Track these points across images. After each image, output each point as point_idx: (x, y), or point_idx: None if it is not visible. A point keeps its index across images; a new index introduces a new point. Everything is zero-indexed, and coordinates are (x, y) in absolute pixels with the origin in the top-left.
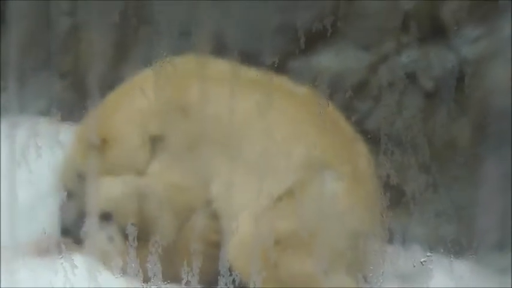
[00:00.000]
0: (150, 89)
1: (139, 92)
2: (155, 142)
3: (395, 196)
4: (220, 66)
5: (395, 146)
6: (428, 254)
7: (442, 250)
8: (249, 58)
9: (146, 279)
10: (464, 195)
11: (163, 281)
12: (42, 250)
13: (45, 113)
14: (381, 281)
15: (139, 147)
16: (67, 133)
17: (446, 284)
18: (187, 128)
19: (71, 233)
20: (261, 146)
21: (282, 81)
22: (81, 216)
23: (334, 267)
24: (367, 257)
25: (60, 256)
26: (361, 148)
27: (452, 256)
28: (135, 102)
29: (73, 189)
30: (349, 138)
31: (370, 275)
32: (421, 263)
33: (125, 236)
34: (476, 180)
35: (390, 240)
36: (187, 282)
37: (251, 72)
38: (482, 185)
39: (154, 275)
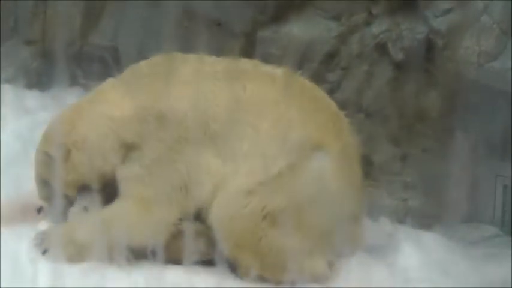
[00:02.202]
0: (121, 97)
1: (107, 99)
2: (129, 150)
3: (364, 167)
4: (191, 64)
5: (364, 117)
6: (398, 225)
7: (410, 222)
8: (219, 28)
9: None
10: (433, 167)
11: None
12: (6, 217)
13: (12, 80)
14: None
15: (110, 153)
16: (33, 100)
17: (415, 256)
18: (165, 135)
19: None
20: (249, 134)
21: (257, 66)
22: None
23: (312, 247)
24: (346, 236)
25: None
26: (346, 125)
27: (420, 228)
28: (104, 109)
29: (48, 198)
30: (335, 116)
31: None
32: (389, 235)
33: None
34: (445, 152)
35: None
36: None
37: (223, 63)
38: (451, 157)
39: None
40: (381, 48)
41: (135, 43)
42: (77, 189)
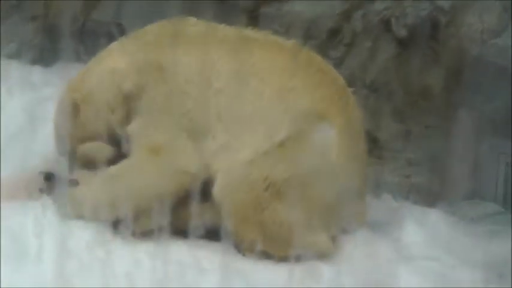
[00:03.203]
0: (124, 52)
1: (112, 55)
2: (130, 101)
3: (367, 144)
4: (200, 27)
5: (368, 94)
6: (401, 202)
7: (413, 199)
8: (223, 4)
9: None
10: (436, 144)
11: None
12: (11, 192)
13: (16, 55)
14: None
15: (114, 106)
16: (37, 76)
17: (418, 233)
18: (167, 87)
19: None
20: (252, 100)
21: (266, 36)
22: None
23: (316, 221)
24: (349, 211)
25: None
26: (352, 100)
27: (423, 205)
28: (108, 63)
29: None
30: (341, 90)
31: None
32: (393, 212)
33: None
34: (448, 129)
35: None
36: None
37: (233, 29)
38: (454, 134)
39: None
40: (384, 25)
41: (138, 19)
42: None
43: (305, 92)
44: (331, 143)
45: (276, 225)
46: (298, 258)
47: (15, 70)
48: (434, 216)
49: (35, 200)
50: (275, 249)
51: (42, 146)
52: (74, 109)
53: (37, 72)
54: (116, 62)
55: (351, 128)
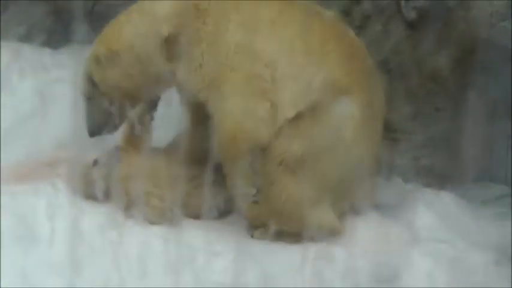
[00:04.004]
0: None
1: (151, 2)
2: (170, 43)
3: None
4: None
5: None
6: (411, 184)
7: (423, 181)
8: None
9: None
10: (445, 126)
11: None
12: (23, 174)
13: (27, 38)
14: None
15: (154, 50)
16: (48, 58)
17: (427, 215)
18: (202, 26)
19: (96, 133)
20: (285, 57)
21: (310, 4)
22: (103, 114)
23: (325, 197)
24: (361, 190)
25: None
26: (378, 81)
27: (433, 187)
28: (146, 9)
29: (89, 95)
30: (369, 69)
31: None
32: (402, 194)
33: None
34: (457, 112)
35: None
36: None
37: None
38: (463, 117)
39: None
40: (394, 8)
41: None
42: (128, 96)
43: (333, 63)
44: (350, 118)
45: (284, 201)
46: (309, 239)
47: (25, 53)
48: (445, 199)
49: (47, 181)
50: (284, 225)
51: (54, 127)
52: (114, 57)
53: (47, 55)
54: (154, 7)
55: (371, 108)
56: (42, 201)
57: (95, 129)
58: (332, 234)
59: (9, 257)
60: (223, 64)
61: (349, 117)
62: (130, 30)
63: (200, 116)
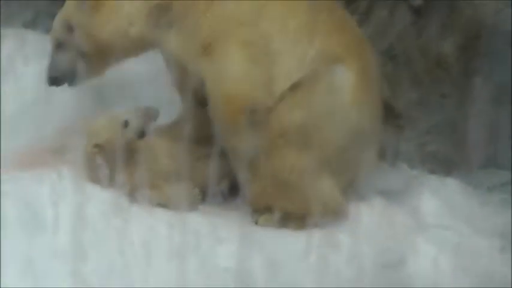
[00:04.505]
0: None
1: None
2: (162, 10)
3: (383, 112)
4: None
5: (384, 62)
6: (417, 171)
7: (428, 167)
8: None
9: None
10: (451, 113)
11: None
12: (27, 160)
13: (32, 24)
14: (369, 194)
15: (140, 13)
16: None
17: (433, 202)
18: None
19: (56, 83)
20: (278, 32)
21: None
22: (70, 65)
23: (327, 168)
24: (360, 161)
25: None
26: (369, 48)
27: (438, 174)
28: None
29: (62, 40)
30: (359, 38)
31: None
32: (408, 180)
33: None
34: (463, 98)
35: (380, 157)
36: None
37: None
38: (469, 103)
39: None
40: None
41: None
42: (100, 51)
43: (325, 34)
44: (347, 84)
45: (288, 173)
46: (313, 224)
47: (31, 39)
48: (450, 185)
49: (51, 168)
50: (288, 203)
51: (58, 114)
52: (96, 8)
53: None
54: None
55: (366, 75)
56: (46, 188)
57: (57, 79)
58: (336, 213)
59: (14, 243)
60: (217, 31)
61: (345, 83)
62: None
63: (199, 98)
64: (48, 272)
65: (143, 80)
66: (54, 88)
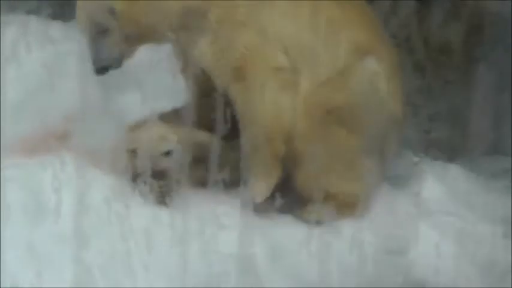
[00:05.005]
0: None
1: None
2: (196, 16)
3: None
4: None
5: None
6: (420, 157)
7: (432, 154)
8: None
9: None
10: (456, 99)
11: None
12: (30, 147)
13: (36, 11)
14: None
15: (172, 12)
16: (57, 31)
17: (437, 188)
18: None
19: (105, 70)
20: (314, 25)
21: None
22: (116, 49)
23: (369, 152)
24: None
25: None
26: (388, 37)
27: (442, 160)
28: None
29: (105, 25)
30: (380, 27)
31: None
32: (412, 166)
33: None
34: (468, 84)
35: None
36: None
37: None
38: (474, 89)
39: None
40: None
41: None
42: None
43: (353, 29)
44: (381, 75)
45: (335, 150)
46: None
47: (34, 25)
48: (454, 172)
49: (54, 155)
50: (339, 182)
51: (62, 101)
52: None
53: (56, 28)
54: None
55: (393, 64)
56: (49, 174)
57: (105, 66)
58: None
59: (16, 229)
60: (250, 53)
61: (379, 73)
62: None
63: (206, 87)
64: (50, 257)
65: (147, 67)
66: (57, 74)
